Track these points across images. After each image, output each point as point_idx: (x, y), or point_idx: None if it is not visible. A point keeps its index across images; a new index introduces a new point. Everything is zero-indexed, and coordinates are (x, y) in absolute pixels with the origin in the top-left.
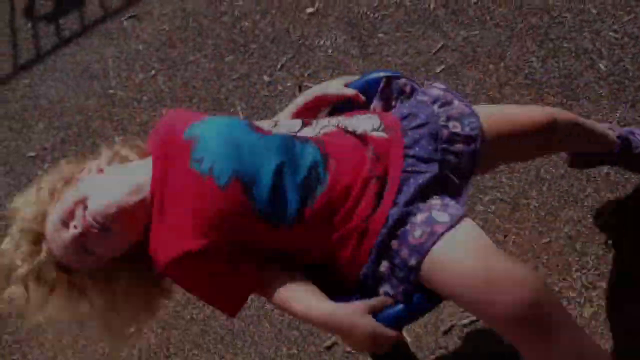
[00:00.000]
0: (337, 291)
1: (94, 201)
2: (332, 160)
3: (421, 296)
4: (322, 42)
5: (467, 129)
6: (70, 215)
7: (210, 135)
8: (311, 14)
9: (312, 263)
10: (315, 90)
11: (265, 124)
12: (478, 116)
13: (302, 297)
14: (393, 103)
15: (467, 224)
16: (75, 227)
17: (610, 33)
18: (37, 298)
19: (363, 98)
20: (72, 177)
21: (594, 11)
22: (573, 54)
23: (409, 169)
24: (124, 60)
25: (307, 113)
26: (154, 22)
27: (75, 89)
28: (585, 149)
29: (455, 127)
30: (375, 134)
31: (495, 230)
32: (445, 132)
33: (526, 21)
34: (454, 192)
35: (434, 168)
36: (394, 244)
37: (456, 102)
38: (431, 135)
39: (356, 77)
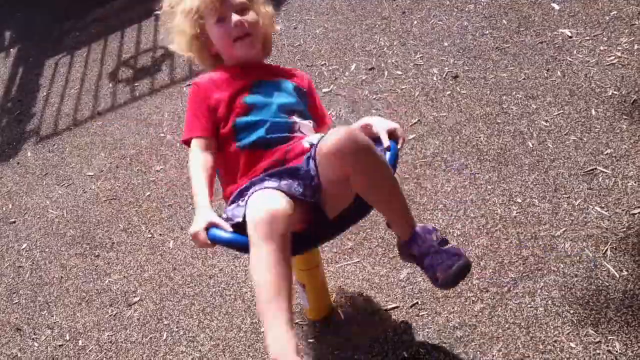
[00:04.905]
0: None
1: None
2: None
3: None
4: (329, 112)
5: None
6: None
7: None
8: (326, 92)
9: None
10: (371, 121)
11: None
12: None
13: (200, 172)
14: None
15: None
16: None
17: (542, 122)
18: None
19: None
20: None
21: (534, 106)
22: (511, 134)
23: None
24: (177, 114)
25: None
26: None
27: (134, 132)
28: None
29: None
30: None
31: None
32: None
33: (482, 109)
34: None
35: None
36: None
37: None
38: None
39: (400, 130)
